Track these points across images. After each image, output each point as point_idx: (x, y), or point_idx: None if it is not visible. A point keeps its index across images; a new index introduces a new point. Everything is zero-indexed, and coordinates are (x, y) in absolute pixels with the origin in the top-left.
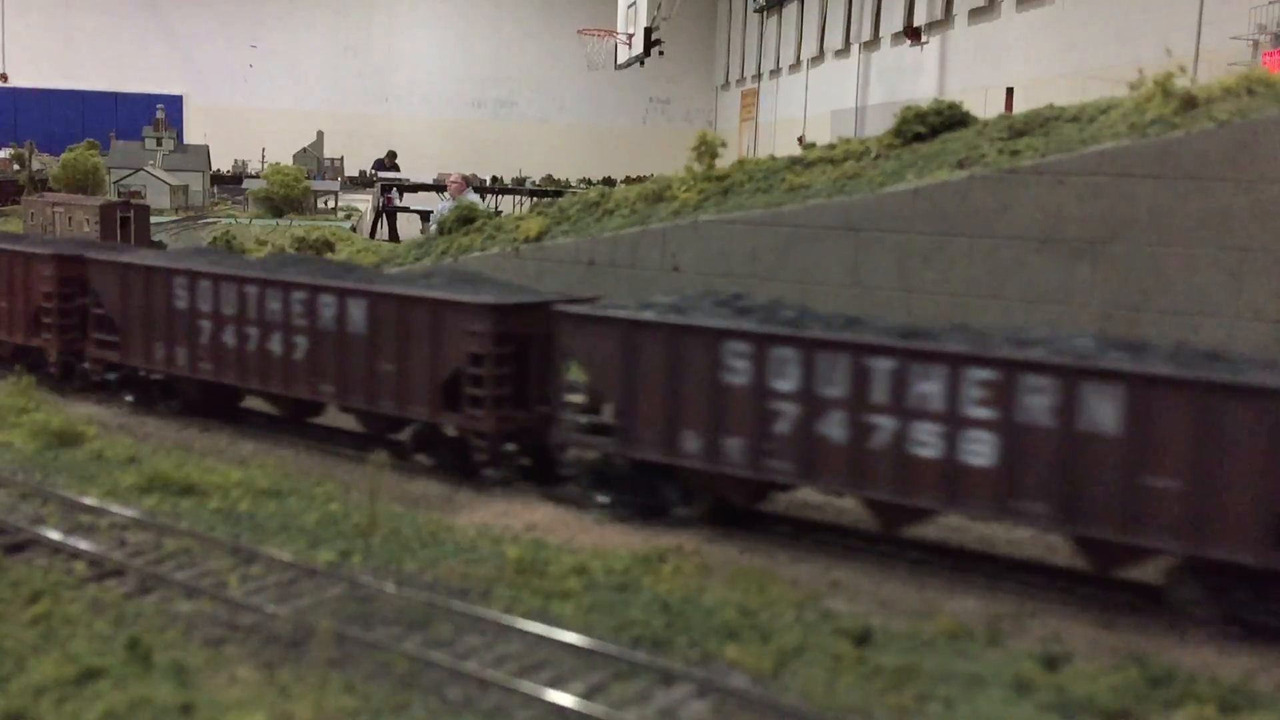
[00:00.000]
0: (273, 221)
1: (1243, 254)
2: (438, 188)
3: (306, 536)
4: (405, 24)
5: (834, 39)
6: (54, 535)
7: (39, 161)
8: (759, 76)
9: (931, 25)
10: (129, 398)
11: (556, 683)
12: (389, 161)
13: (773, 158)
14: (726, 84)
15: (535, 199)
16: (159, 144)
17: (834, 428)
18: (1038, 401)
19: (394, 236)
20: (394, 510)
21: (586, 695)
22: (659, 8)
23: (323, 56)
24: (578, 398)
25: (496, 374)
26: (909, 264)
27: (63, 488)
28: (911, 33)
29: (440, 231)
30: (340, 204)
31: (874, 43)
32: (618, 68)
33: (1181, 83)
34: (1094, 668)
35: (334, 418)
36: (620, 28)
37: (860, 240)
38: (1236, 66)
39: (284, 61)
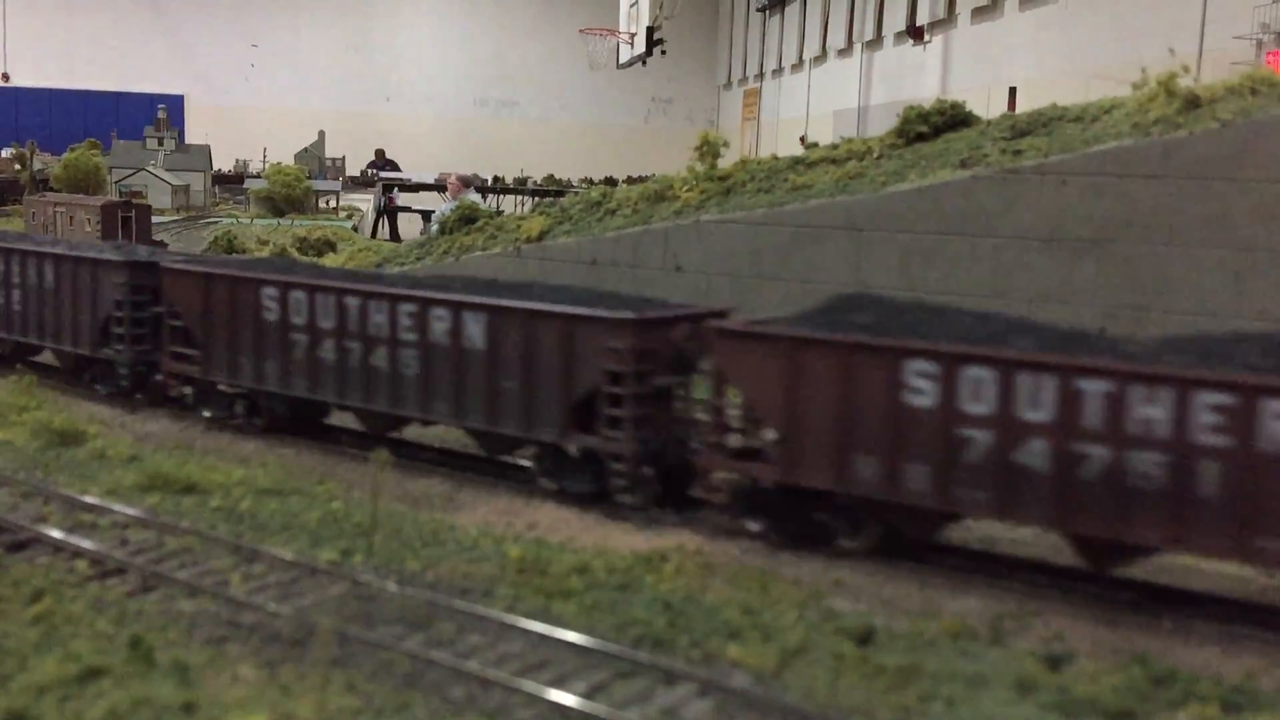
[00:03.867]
0: (274, 221)
1: (1246, 254)
2: (439, 187)
3: (308, 535)
4: (407, 23)
5: (837, 38)
6: (56, 534)
7: (40, 161)
8: (761, 76)
9: (934, 24)
10: (754, 526)
11: (558, 682)
12: (380, 160)
13: (775, 157)
14: (729, 83)
15: (537, 198)
16: (160, 144)
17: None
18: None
19: (395, 236)
20: (396, 509)
21: (588, 695)
22: (661, 7)
23: (324, 56)
24: None
25: None
26: (911, 263)
27: (64, 486)
28: (914, 32)
29: (442, 231)
30: (341, 203)
31: (877, 42)
32: (620, 67)
33: (1185, 82)
34: (1097, 667)
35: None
36: (622, 27)
37: (863, 240)
38: (1240, 66)
39: (285, 61)
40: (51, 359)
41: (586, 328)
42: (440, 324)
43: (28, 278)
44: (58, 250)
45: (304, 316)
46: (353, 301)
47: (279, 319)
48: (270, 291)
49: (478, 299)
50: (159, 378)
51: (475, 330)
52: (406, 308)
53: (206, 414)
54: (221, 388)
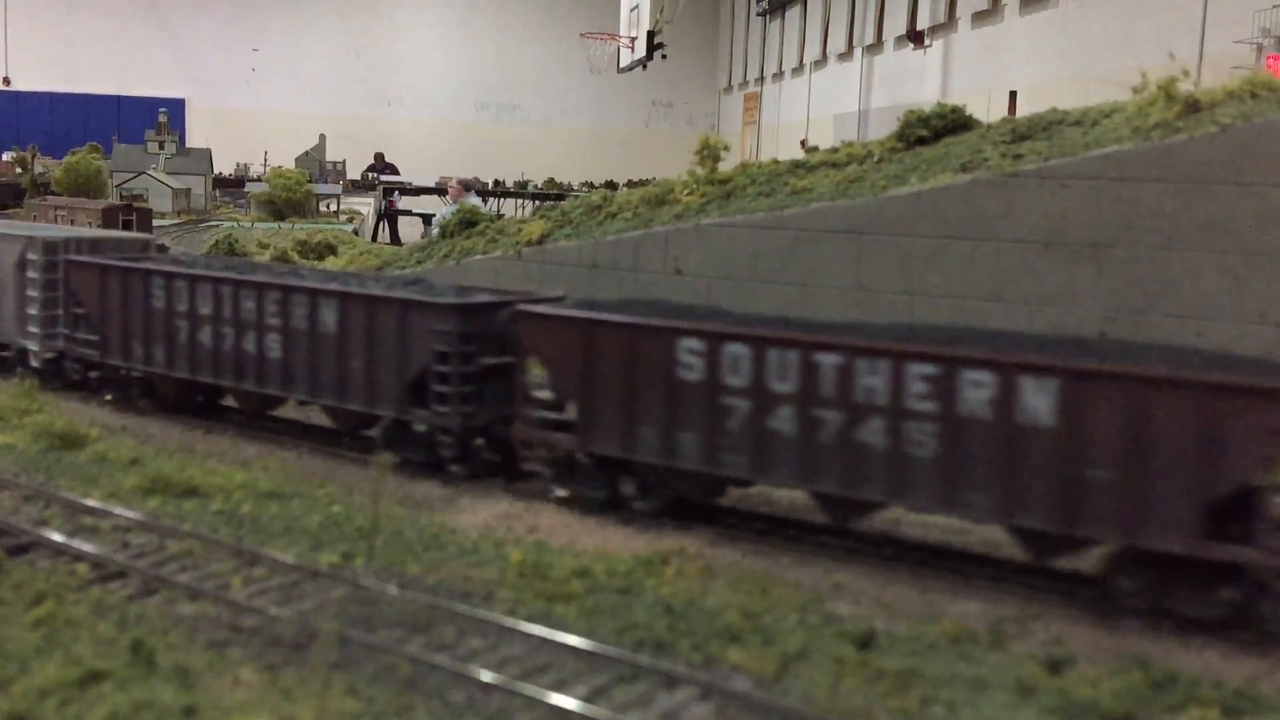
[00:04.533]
0: (274, 225)
1: (1246, 258)
2: (439, 191)
3: (309, 539)
4: (408, 27)
5: (837, 42)
6: (57, 537)
7: (41, 165)
8: (762, 80)
9: (935, 28)
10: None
11: (559, 686)
12: (380, 164)
13: (775, 161)
14: (729, 87)
15: (537, 202)
16: (161, 147)
17: None
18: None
19: (395, 240)
20: (397, 512)
21: (589, 698)
22: (661, 11)
23: (325, 59)
24: None
25: None
26: (912, 267)
27: (65, 490)
28: (914, 36)
29: (442, 235)
30: (342, 207)
31: (877, 46)
32: (620, 71)
33: (1185, 86)
34: (1097, 671)
35: None
36: (623, 31)
37: (863, 244)
38: (1240, 70)
39: (286, 64)
40: (295, 413)
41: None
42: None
43: (292, 320)
44: (345, 288)
45: (745, 377)
46: (829, 359)
47: (705, 379)
48: (691, 344)
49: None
50: (479, 442)
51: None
52: (978, 376)
53: (562, 493)
54: (581, 459)
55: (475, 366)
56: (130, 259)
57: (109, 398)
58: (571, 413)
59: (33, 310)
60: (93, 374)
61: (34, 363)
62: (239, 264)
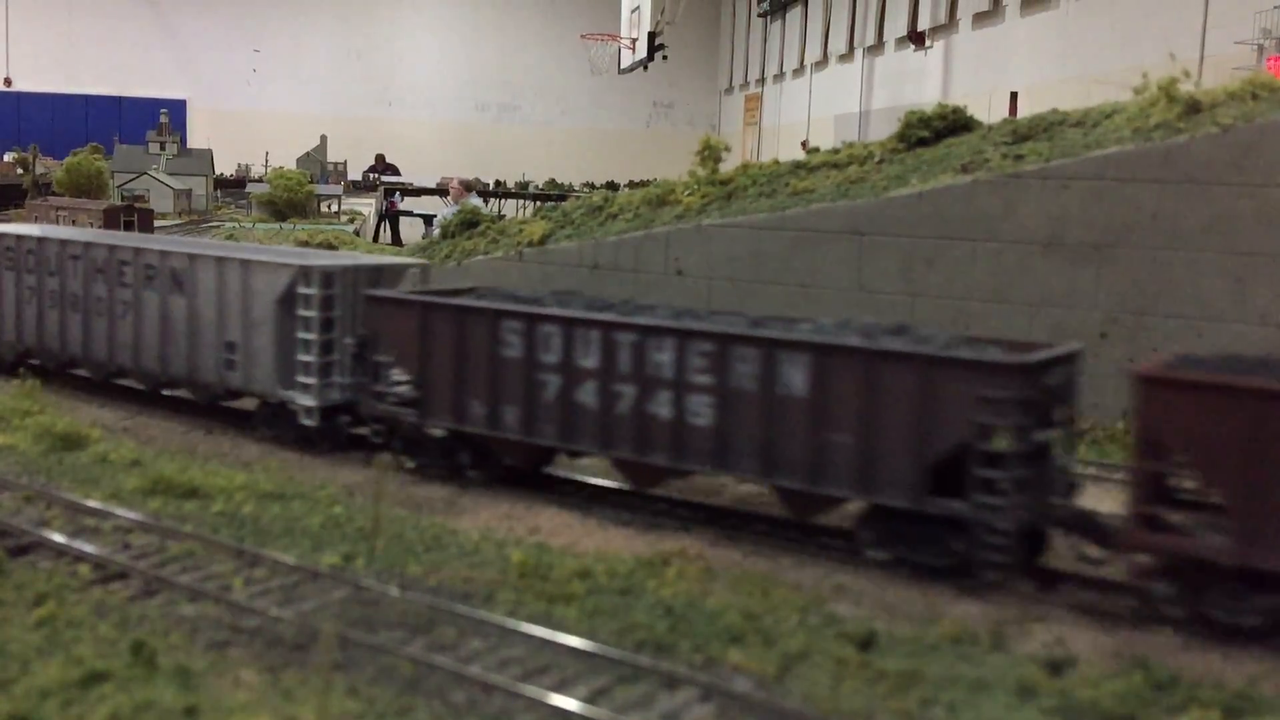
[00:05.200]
0: (276, 225)
1: (1247, 258)
2: (441, 192)
3: (310, 540)
4: (409, 28)
5: (838, 43)
6: (58, 538)
7: (43, 165)
8: (763, 81)
9: (935, 29)
10: None
11: (560, 686)
12: (381, 164)
13: (776, 162)
14: (730, 88)
15: (538, 203)
16: (162, 148)
17: None
18: None
19: (396, 240)
20: (398, 514)
21: (590, 699)
22: (662, 12)
23: (326, 60)
24: None
25: None
26: (913, 268)
27: (67, 491)
28: (915, 37)
29: (444, 235)
30: (343, 208)
31: (878, 47)
32: (621, 72)
33: (1185, 87)
34: (1098, 672)
35: None
36: (624, 32)
37: (864, 244)
38: (1241, 71)
39: (287, 65)
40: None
41: None
42: None
43: (733, 377)
44: (819, 339)
45: None
46: None
47: None
48: None
49: None
50: (1000, 537)
51: None
52: None
53: (1179, 613)
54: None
55: (1032, 443)
56: (452, 293)
57: (411, 465)
58: (1212, 510)
59: (307, 356)
60: (377, 430)
61: (305, 420)
62: (622, 304)
